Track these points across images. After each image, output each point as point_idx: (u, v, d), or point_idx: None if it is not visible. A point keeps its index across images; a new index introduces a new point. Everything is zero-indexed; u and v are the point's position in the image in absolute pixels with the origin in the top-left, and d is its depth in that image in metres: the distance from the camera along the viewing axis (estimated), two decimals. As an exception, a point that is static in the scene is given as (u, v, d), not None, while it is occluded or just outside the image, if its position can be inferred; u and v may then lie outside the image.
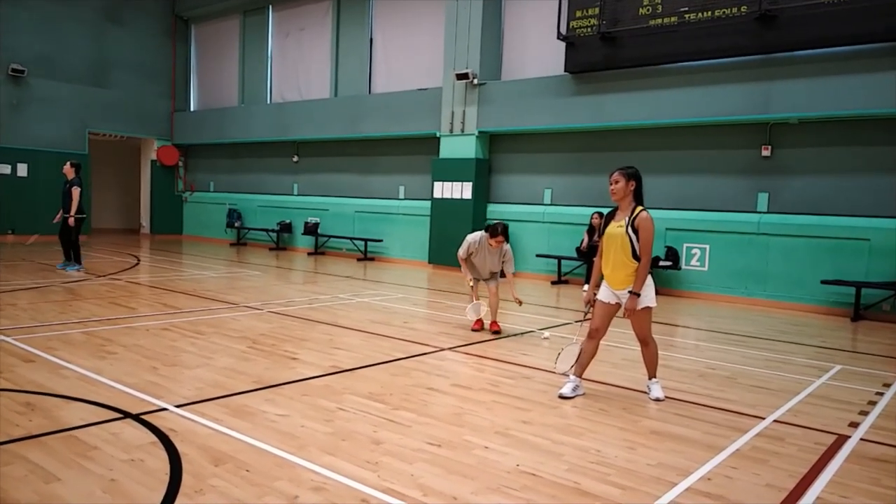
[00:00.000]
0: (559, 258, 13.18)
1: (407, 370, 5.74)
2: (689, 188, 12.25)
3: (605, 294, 5.05)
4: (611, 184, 4.95)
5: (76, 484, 3.18)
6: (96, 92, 19.61)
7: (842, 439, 4.37)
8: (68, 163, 11.66)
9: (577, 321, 5.27)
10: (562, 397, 5.00)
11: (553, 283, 13.19)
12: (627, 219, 4.89)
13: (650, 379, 5.18)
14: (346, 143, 17.67)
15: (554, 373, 5.53)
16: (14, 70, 17.52)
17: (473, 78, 14.08)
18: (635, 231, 4.82)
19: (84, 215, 11.68)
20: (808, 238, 10.87)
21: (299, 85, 18.89)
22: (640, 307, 4.89)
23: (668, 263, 11.81)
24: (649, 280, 4.93)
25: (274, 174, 18.84)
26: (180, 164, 22.14)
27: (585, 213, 12.88)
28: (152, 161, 21.52)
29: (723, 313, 10.29)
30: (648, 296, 4.92)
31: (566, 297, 11.43)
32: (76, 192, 11.26)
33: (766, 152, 11.39)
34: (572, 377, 5.12)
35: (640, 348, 5.17)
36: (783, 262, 11.11)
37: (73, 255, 11.63)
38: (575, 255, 12.76)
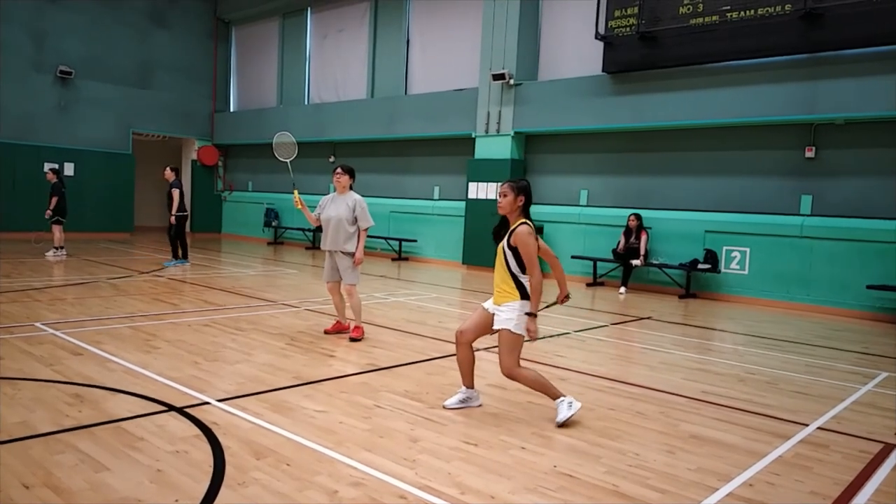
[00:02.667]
0: (595, 260, 13.07)
1: (443, 369, 5.77)
2: (729, 190, 12.03)
3: (488, 301, 4.61)
4: (499, 197, 4.51)
5: (124, 473, 3.28)
6: (140, 93, 20.12)
7: (888, 448, 4.26)
8: (167, 168, 12.62)
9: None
10: (444, 408, 4.62)
11: (588, 284, 13.09)
12: (507, 234, 4.47)
13: (553, 400, 4.46)
14: (381, 144, 17.81)
15: (591, 375, 5.48)
16: (62, 72, 18.06)
17: (510, 78, 14.05)
18: (512, 248, 4.37)
19: (186, 213, 12.59)
20: (853, 242, 10.58)
21: (336, 86, 19.10)
22: (497, 325, 4.39)
23: (707, 266, 11.61)
24: (516, 304, 4.36)
25: (311, 174, 19.04)
26: (220, 163, 22.58)
27: (622, 215, 12.75)
28: (193, 161, 21.98)
29: (763, 317, 10.08)
30: (510, 318, 4.33)
31: (602, 298, 11.33)
32: (176, 193, 12.29)
33: (809, 153, 11.13)
34: (463, 388, 4.71)
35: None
36: (827, 265, 10.84)
37: (181, 251, 12.70)
38: (611, 256, 12.63)
